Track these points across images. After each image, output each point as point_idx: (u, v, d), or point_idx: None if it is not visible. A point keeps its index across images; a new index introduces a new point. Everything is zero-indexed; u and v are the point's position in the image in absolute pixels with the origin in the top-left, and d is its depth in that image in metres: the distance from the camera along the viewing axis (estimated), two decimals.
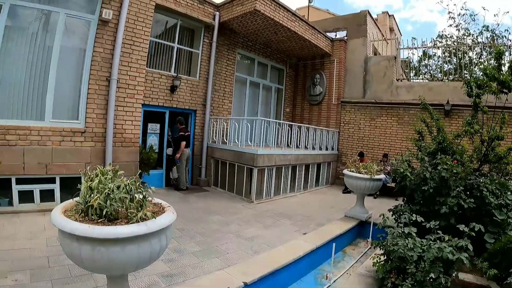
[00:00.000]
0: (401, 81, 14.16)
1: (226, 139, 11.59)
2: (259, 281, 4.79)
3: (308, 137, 12.86)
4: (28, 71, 7.40)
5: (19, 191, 7.16)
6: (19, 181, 7.16)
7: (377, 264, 5.09)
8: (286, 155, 11.19)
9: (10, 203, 7.10)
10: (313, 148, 13.04)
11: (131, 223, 2.51)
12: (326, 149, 14.02)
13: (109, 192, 2.53)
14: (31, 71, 7.43)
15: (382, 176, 8.37)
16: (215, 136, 11.87)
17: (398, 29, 25.88)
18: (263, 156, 10.19)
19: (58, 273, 4.56)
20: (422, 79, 17.61)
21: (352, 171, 8.37)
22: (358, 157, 12.08)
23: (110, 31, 8.12)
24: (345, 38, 15.22)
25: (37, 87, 7.49)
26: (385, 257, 5.01)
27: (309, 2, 22.04)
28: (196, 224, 7.36)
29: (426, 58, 19.71)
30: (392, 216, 6.37)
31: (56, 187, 7.58)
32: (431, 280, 4.26)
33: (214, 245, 6.23)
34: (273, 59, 15.23)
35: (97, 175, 2.70)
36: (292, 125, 12.45)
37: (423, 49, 15.80)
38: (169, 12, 10.86)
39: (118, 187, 2.59)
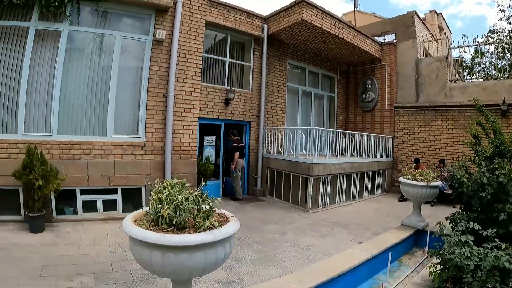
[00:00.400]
0: (455, 82, 13.66)
1: (281, 149, 11.70)
2: None
3: (362, 144, 12.70)
4: (89, 89, 7.96)
5: (83, 201, 7.67)
6: (83, 192, 7.67)
7: (433, 274, 4.98)
8: (340, 164, 11.13)
9: (74, 212, 7.63)
10: (368, 156, 12.88)
11: (199, 232, 2.63)
12: (381, 156, 13.79)
13: (179, 203, 2.68)
14: (92, 90, 7.98)
15: (438, 183, 8.13)
16: (270, 147, 12.05)
17: (448, 27, 24.96)
18: (318, 165, 10.21)
19: (121, 277, 4.83)
20: (476, 78, 16.87)
21: (408, 178, 8.20)
22: (414, 164, 11.83)
23: (164, 50, 8.49)
24: (394, 41, 14.99)
25: (98, 105, 8.02)
26: (441, 266, 4.90)
27: (355, 8, 21.81)
28: (253, 233, 7.50)
29: (479, 56, 18.93)
30: (449, 224, 6.19)
31: (118, 197, 8.02)
32: None
33: (270, 253, 6.34)
34: (323, 68, 15.22)
35: (164, 188, 2.86)
36: (346, 133, 12.38)
37: (474, 46, 15.00)
38: (218, 28, 11.24)
39: (187, 199, 2.74)
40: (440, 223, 5.66)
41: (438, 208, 10.67)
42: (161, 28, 8.41)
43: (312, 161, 10.02)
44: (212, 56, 11.45)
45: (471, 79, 16.16)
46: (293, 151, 11.06)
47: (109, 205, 7.96)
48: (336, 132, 11.87)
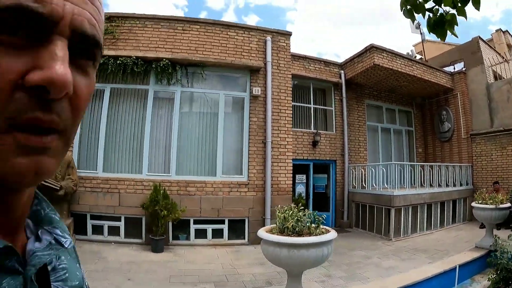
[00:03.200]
0: None
1: (365, 184, 12.44)
2: None
3: (440, 175, 12.92)
4: (200, 138, 9.86)
5: (195, 229, 9.36)
6: (196, 222, 9.39)
7: (490, 279, 5.85)
8: (420, 194, 11.58)
9: (187, 238, 9.34)
10: (447, 185, 13.03)
11: (313, 236, 4.09)
12: (460, 185, 13.78)
13: (299, 218, 4.13)
14: (202, 139, 9.88)
15: (507, 204, 8.44)
16: (355, 182, 12.87)
17: None
18: (399, 197, 10.83)
19: (235, 286, 6.23)
20: None
21: (480, 203, 8.60)
22: (492, 187, 12.11)
23: (260, 103, 10.07)
24: (463, 69, 15.13)
25: (208, 151, 9.81)
26: (497, 272, 5.72)
27: (422, 41, 21.75)
28: (342, 258, 8.42)
29: None
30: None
31: (225, 227, 9.59)
32: None
33: (357, 272, 7.31)
34: (399, 103, 15.76)
35: (286, 210, 4.35)
36: (424, 165, 12.82)
37: None
38: (302, 79, 12.73)
39: (305, 215, 4.20)
40: (495, 235, 6.43)
41: None
42: (255, 86, 10.03)
43: (393, 193, 10.72)
44: (299, 104, 12.89)
45: None
46: (375, 185, 11.77)
47: (217, 233, 9.52)
48: (415, 165, 12.49)
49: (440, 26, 2.88)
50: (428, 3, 2.95)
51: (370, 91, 14.65)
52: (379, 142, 15.03)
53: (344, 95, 13.43)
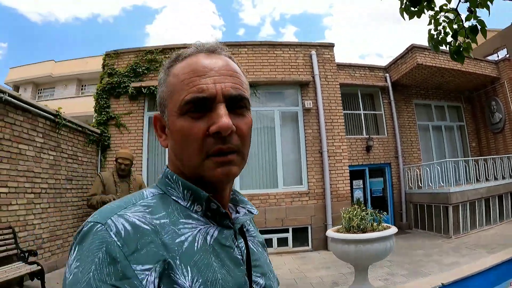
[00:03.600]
0: None
1: (421, 184, 12.49)
2: (453, 284, 5.90)
3: (495, 167, 12.75)
4: (260, 155, 10.42)
5: None
6: (261, 232, 9.58)
7: None
8: (476, 189, 11.51)
9: None
10: (503, 178, 12.82)
11: (376, 231, 4.66)
12: None
13: (362, 217, 4.72)
14: (262, 155, 10.43)
15: None
16: (411, 183, 12.93)
17: None
18: (456, 193, 10.84)
19: (304, 287, 6.70)
20: None
21: None
22: None
23: (313, 115, 10.59)
24: (507, 56, 14.87)
25: (269, 165, 10.37)
26: None
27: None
28: (403, 257, 8.67)
29: None
30: None
31: (289, 235, 10.07)
32: None
33: (418, 269, 7.54)
34: (447, 100, 15.57)
35: (350, 211, 4.93)
36: (478, 159, 12.64)
37: None
38: (349, 87, 13.04)
39: (367, 214, 4.78)
40: None
41: None
42: (307, 99, 10.59)
43: (450, 190, 10.75)
44: (349, 111, 13.22)
45: None
46: (431, 184, 11.78)
47: (282, 242, 10.04)
48: (469, 160, 12.41)
49: (459, 53, 3.64)
50: (447, 36, 3.76)
51: (417, 91, 14.67)
52: (431, 141, 14.94)
53: (391, 97, 13.60)
